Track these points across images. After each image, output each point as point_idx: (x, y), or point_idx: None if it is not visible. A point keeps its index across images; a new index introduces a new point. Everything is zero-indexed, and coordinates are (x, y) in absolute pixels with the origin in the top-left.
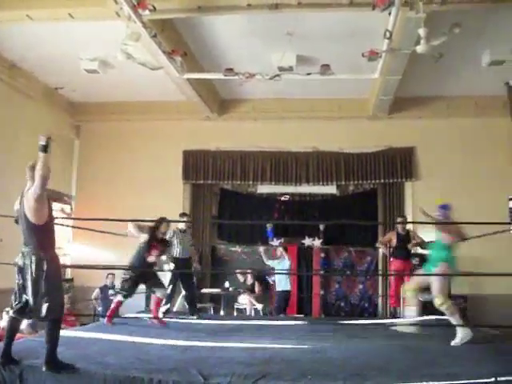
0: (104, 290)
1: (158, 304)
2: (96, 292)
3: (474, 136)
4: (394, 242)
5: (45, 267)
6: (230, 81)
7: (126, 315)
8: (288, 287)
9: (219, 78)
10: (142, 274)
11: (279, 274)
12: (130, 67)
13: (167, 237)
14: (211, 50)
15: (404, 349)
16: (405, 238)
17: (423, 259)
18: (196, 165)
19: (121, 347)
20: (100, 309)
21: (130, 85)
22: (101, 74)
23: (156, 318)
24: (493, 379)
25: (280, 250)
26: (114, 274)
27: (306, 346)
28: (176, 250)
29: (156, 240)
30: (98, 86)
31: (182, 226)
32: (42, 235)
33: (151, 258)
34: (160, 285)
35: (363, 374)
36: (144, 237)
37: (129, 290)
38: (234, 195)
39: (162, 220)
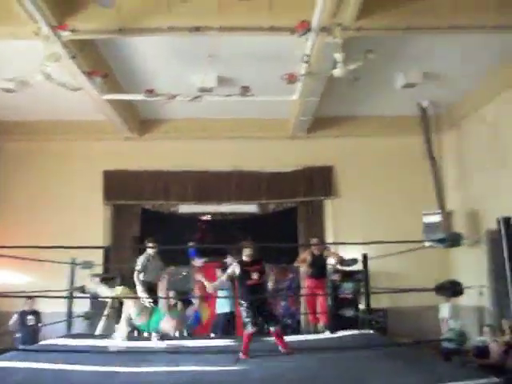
0: (22, 315)
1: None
2: (14, 318)
3: (389, 154)
4: (309, 260)
5: None
6: (150, 101)
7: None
8: (228, 309)
9: (140, 99)
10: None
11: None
12: (48, 86)
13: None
14: (132, 71)
15: (329, 364)
16: (319, 258)
17: (344, 275)
18: (117, 185)
19: (40, 375)
20: (18, 335)
21: (50, 104)
22: (18, 93)
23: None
24: None
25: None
26: (33, 299)
27: (229, 368)
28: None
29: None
30: (16, 104)
31: (151, 251)
32: None
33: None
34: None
35: None
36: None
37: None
38: (156, 215)
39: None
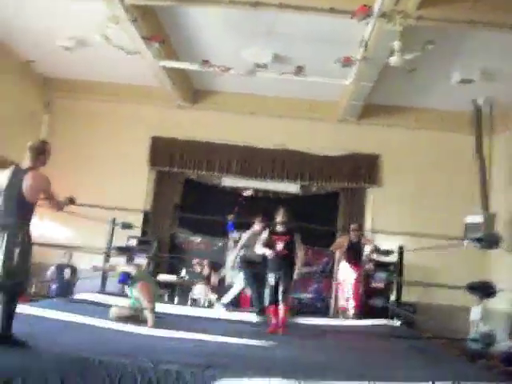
0: (60, 268)
1: None
2: (51, 270)
3: (437, 149)
4: (345, 247)
5: (21, 241)
6: (204, 72)
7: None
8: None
9: (195, 69)
10: None
11: None
12: (105, 48)
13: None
14: (189, 41)
15: (353, 350)
16: (356, 244)
17: (377, 265)
18: (163, 152)
19: (74, 328)
20: (54, 287)
21: (104, 65)
22: (76, 51)
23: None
24: (430, 383)
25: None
26: (70, 254)
27: (255, 342)
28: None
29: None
30: (72, 63)
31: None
32: (27, 212)
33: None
34: None
35: (311, 372)
36: None
37: None
38: (198, 185)
39: None
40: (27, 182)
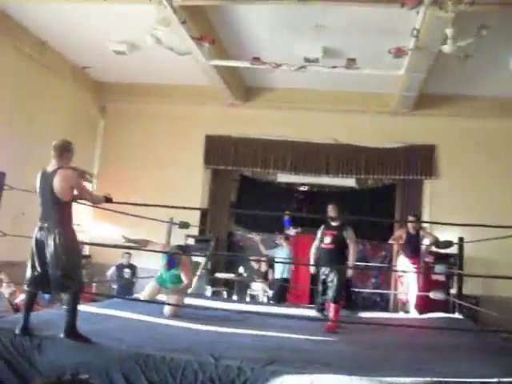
0: (120, 268)
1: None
2: (112, 270)
3: (496, 138)
4: (404, 239)
5: (65, 242)
6: (256, 69)
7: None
8: (285, 275)
9: (246, 66)
10: None
11: (282, 262)
12: (156, 50)
13: None
14: (239, 38)
15: (413, 345)
16: (414, 237)
17: (437, 257)
18: (218, 150)
19: (135, 325)
20: (115, 287)
21: (156, 67)
22: (128, 55)
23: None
24: (496, 380)
25: (280, 238)
26: (130, 254)
27: (315, 337)
28: None
29: None
30: (125, 67)
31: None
32: (64, 211)
33: None
34: None
35: (371, 368)
36: None
37: None
38: (254, 182)
39: None
40: (57, 182)
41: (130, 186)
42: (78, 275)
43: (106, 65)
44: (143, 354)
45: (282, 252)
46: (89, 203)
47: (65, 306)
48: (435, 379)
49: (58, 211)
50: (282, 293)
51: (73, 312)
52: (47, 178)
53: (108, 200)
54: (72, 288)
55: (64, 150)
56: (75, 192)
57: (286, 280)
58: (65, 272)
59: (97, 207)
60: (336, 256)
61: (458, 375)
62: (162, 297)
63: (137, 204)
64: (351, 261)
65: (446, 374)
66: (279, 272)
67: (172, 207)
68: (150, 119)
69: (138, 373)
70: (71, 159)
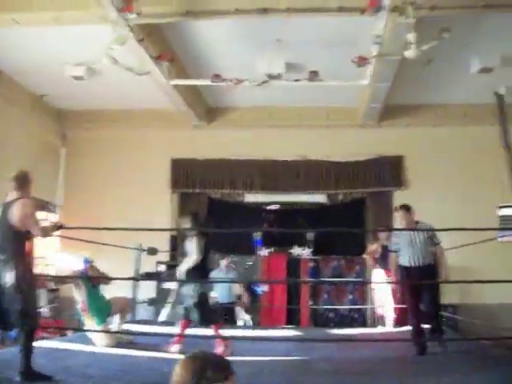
0: None
1: None
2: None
3: (462, 144)
4: (379, 252)
5: (21, 275)
6: (217, 88)
7: None
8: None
9: (206, 85)
10: None
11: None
12: (116, 74)
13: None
14: (198, 56)
15: (392, 359)
16: (387, 248)
17: None
18: (184, 173)
19: (103, 359)
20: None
21: (117, 92)
22: (87, 80)
23: None
24: None
25: (226, 261)
26: None
27: (295, 358)
28: None
29: None
30: (85, 93)
31: None
32: (21, 242)
33: None
34: None
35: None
36: None
37: None
38: (222, 204)
39: None
40: (14, 211)
41: (97, 215)
42: (33, 311)
43: (65, 92)
44: None
45: (218, 274)
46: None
47: (19, 345)
48: None
49: (14, 242)
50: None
51: (27, 351)
52: (6, 209)
53: (59, 227)
54: (26, 325)
55: (24, 181)
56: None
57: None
58: (19, 307)
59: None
60: None
61: None
62: None
63: (104, 228)
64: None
65: None
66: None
67: (138, 229)
68: (113, 145)
69: None
70: (31, 189)
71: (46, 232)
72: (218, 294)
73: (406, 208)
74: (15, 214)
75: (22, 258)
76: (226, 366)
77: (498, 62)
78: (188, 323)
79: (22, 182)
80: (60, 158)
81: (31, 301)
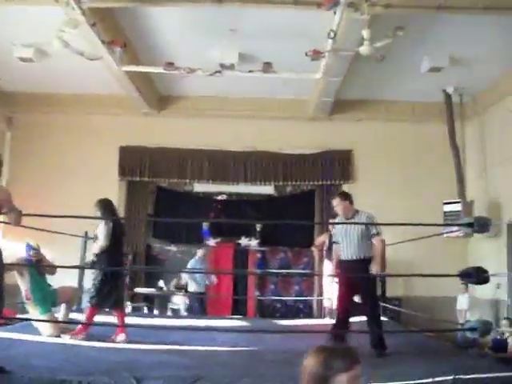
0: None
1: None
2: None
3: (410, 141)
4: (327, 244)
5: None
6: (169, 76)
7: None
8: (198, 289)
9: (159, 73)
10: None
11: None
12: (66, 57)
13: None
14: (151, 44)
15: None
16: None
17: None
18: (133, 161)
19: (49, 349)
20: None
21: (66, 76)
22: (36, 63)
23: None
24: (430, 380)
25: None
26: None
27: (241, 348)
28: None
29: None
30: (33, 75)
31: None
32: None
33: None
34: None
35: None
36: None
37: None
38: (171, 193)
39: None
40: None
41: (43, 201)
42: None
43: (12, 74)
44: (57, 380)
45: (194, 262)
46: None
47: None
48: None
49: None
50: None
51: None
52: None
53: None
54: None
55: None
56: (3, 209)
57: (200, 293)
58: None
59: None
60: None
61: (395, 378)
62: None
63: (48, 215)
64: None
65: (384, 377)
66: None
67: (84, 217)
68: (61, 130)
69: None
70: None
71: (19, 220)
72: (195, 284)
73: (343, 195)
74: None
75: None
76: (352, 355)
77: (447, 62)
78: (94, 310)
79: None
80: (5, 142)
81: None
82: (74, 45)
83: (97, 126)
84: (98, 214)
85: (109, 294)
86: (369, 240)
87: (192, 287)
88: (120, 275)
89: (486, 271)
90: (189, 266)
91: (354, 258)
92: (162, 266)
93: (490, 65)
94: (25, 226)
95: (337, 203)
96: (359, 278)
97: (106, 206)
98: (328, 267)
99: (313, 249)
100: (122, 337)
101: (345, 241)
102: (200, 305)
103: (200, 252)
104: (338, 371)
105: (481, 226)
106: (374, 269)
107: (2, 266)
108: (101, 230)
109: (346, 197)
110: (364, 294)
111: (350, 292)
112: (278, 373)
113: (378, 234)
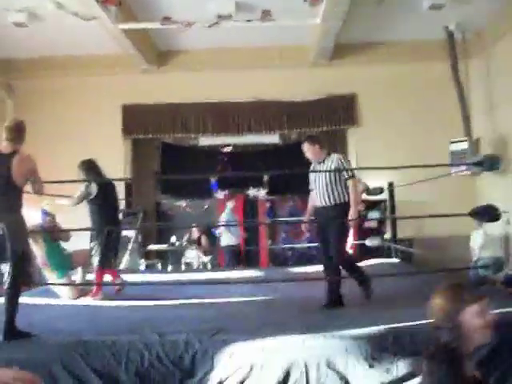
0: None
1: None
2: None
3: (414, 81)
4: None
5: (19, 228)
6: (167, 31)
7: None
8: (232, 242)
9: (156, 28)
10: None
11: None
12: (60, 19)
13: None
14: None
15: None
16: None
17: (368, 205)
18: (136, 119)
19: (70, 312)
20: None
21: (63, 38)
22: (30, 27)
23: None
24: None
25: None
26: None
27: (257, 298)
28: None
29: None
30: (29, 40)
31: None
32: (18, 197)
33: None
34: None
35: (321, 325)
36: None
37: None
38: (176, 149)
39: None
40: (17, 167)
41: (49, 165)
42: (25, 269)
43: (8, 40)
44: (81, 341)
45: (227, 215)
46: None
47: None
48: (389, 326)
49: (13, 198)
50: (232, 259)
51: (13, 310)
52: (2, 162)
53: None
54: (15, 278)
55: (20, 131)
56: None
57: (233, 246)
58: (16, 260)
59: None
60: None
61: (411, 319)
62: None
63: (57, 181)
64: None
65: (400, 319)
66: (224, 238)
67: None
68: (62, 94)
69: (79, 362)
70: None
71: (43, 190)
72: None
73: (311, 139)
74: (18, 170)
75: (19, 212)
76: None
77: None
78: (103, 270)
79: (17, 131)
80: (6, 109)
81: (25, 256)
82: (68, 5)
83: (97, 86)
84: (82, 175)
85: (110, 253)
86: (341, 184)
87: (225, 240)
88: (116, 235)
89: (497, 209)
90: (221, 218)
91: (323, 204)
92: (172, 221)
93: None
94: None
95: (307, 148)
96: (326, 224)
97: (89, 167)
98: None
99: None
100: (100, 295)
101: (315, 187)
102: (234, 257)
103: (230, 204)
104: (469, 302)
105: (490, 164)
106: (351, 213)
107: (27, 233)
108: (79, 190)
109: (315, 141)
110: (328, 241)
111: (324, 242)
112: (295, 320)
113: (350, 177)
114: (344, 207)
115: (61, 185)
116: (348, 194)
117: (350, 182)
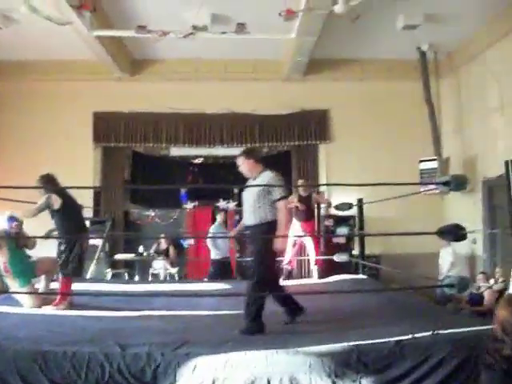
0: None
1: None
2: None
3: (386, 99)
4: (295, 204)
5: None
6: (142, 40)
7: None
8: (218, 256)
9: (131, 36)
10: None
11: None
12: (34, 23)
13: None
14: (122, 7)
15: (322, 311)
16: (305, 199)
17: (337, 221)
18: (107, 127)
19: (31, 320)
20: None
21: (37, 42)
22: (4, 29)
23: None
24: (410, 336)
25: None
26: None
27: (223, 312)
28: None
29: None
30: (4, 43)
31: None
32: None
33: None
34: None
35: (284, 340)
36: None
37: None
38: (147, 158)
39: None
40: None
41: (18, 171)
42: None
43: None
44: (41, 350)
45: (215, 228)
46: None
47: None
48: (354, 343)
49: None
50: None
51: None
52: None
53: None
54: None
55: None
56: None
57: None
58: None
59: None
60: None
61: (375, 336)
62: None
63: (22, 187)
64: None
65: (364, 336)
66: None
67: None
68: (32, 99)
69: (36, 372)
70: None
71: None
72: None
73: (246, 153)
74: None
75: None
76: None
77: (421, 20)
78: (69, 279)
79: None
80: None
81: None
82: (43, 10)
83: (69, 92)
84: (41, 189)
85: (76, 262)
86: (268, 203)
87: (212, 254)
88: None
89: (463, 228)
90: (210, 230)
91: (248, 223)
92: (141, 231)
93: (464, 22)
94: (3, 199)
95: (241, 162)
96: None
97: (48, 181)
98: (294, 227)
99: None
100: (63, 305)
101: (244, 205)
102: (223, 270)
103: (219, 217)
104: None
105: (457, 184)
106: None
107: None
108: (40, 201)
109: (250, 155)
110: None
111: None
112: (259, 335)
113: (281, 198)
114: (268, 226)
115: (30, 191)
116: (275, 213)
117: (280, 204)
